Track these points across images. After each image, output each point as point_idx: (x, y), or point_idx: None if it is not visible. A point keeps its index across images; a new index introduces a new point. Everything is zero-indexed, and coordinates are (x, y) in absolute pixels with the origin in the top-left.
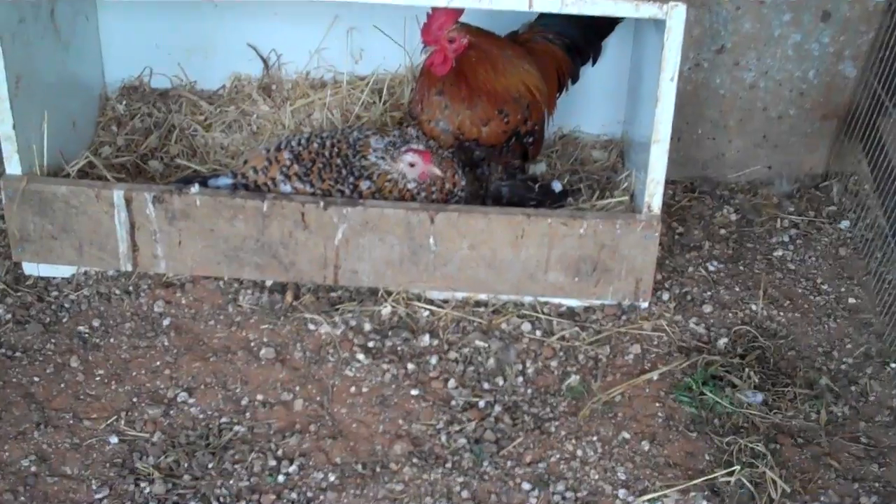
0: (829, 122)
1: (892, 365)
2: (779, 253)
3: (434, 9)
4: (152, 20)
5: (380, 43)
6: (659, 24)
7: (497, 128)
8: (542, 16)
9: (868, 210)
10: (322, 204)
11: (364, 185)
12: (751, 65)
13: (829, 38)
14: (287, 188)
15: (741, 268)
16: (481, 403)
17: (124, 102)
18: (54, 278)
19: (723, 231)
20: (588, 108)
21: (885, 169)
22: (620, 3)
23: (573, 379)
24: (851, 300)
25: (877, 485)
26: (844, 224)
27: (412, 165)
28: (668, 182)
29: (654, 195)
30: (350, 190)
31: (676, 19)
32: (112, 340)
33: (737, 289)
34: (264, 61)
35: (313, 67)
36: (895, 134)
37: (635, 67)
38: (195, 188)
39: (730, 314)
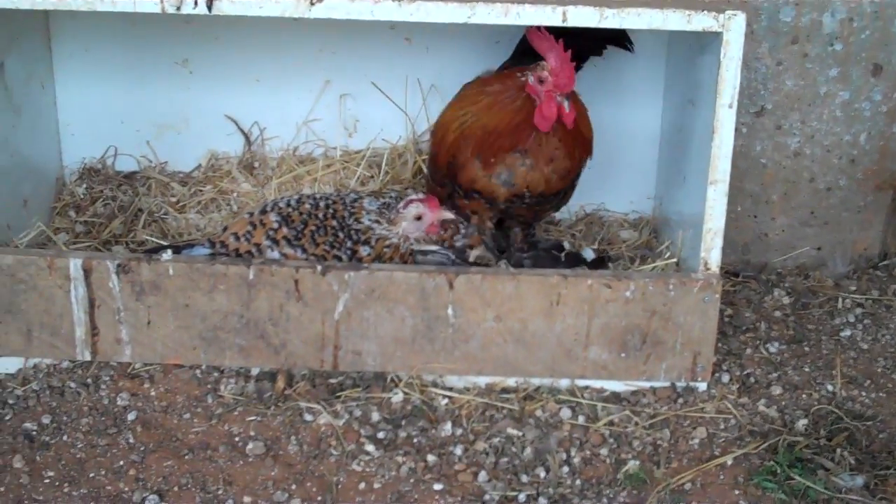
0: (884, 193)
1: None
2: (846, 333)
3: (555, 45)
4: (118, 91)
5: (377, 111)
6: (712, 42)
7: (569, 178)
8: (523, 51)
9: None
10: (320, 269)
11: (363, 250)
12: (794, 129)
13: (882, 96)
14: (275, 254)
15: (806, 349)
16: (521, 497)
17: (84, 186)
18: None
19: (777, 313)
20: (614, 183)
21: None
22: (670, 15)
23: (631, 465)
24: None
25: None
26: None
27: (419, 218)
28: None
29: (711, 249)
30: (348, 256)
31: (735, 31)
32: (65, 438)
33: (806, 369)
34: (245, 136)
35: (301, 142)
36: None
37: (675, 111)
38: (167, 254)
39: (804, 395)
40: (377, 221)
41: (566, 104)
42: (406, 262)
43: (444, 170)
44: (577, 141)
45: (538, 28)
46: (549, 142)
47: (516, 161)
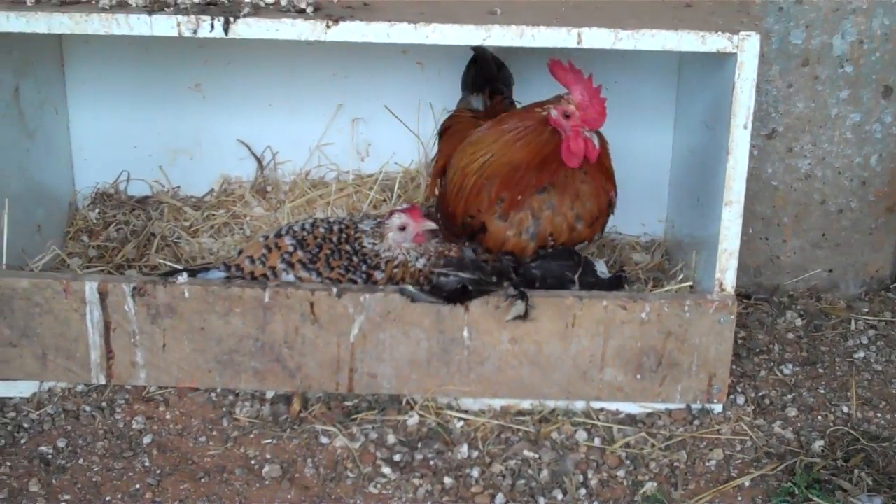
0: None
1: None
2: (860, 354)
3: (581, 78)
4: (130, 116)
5: (389, 135)
6: (726, 64)
7: (599, 224)
8: (489, 80)
9: None
10: (335, 291)
11: (378, 274)
12: (805, 151)
13: (893, 118)
14: (290, 278)
15: (820, 370)
16: None
17: (97, 210)
18: (11, 398)
19: (790, 335)
20: (625, 206)
21: None
22: (684, 36)
23: (649, 486)
24: None
25: None
26: None
27: (403, 229)
28: None
29: (726, 270)
30: (363, 280)
31: (749, 52)
32: (81, 462)
33: (821, 391)
34: (258, 160)
35: (314, 166)
36: None
37: (688, 134)
38: (183, 277)
39: (819, 417)
40: (373, 242)
41: (595, 140)
42: (419, 281)
43: (459, 228)
44: (602, 173)
45: (558, 60)
46: (574, 177)
47: (543, 203)
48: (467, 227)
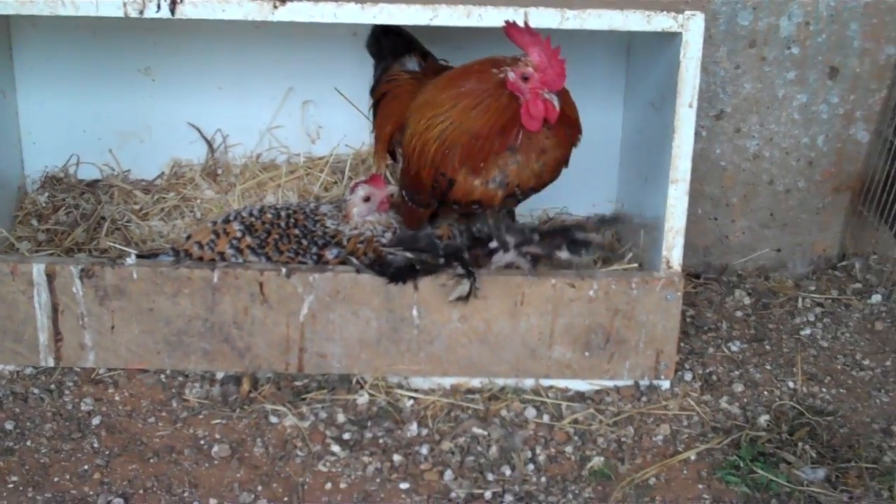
0: (842, 194)
1: None
2: (806, 331)
3: (539, 40)
4: (80, 100)
5: (340, 117)
6: (671, 43)
7: (560, 167)
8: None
9: None
10: (284, 271)
11: (330, 253)
12: (753, 131)
13: (839, 98)
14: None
15: (767, 347)
16: (487, 495)
17: (46, 194)
18: None
19: (739, 313)
20: (576, 186)
21: None
22: (630, 15)
23: (596, 461)
24: None
25: None
26: (876, 298)
27: (367, 199)
28: None
29: (672, 248)
30: (314, 261)
31: (694, 31)
32: (29, 443)
33: (768, 367)
34: (209, 143)
35: (265, 149)
36: None
37: (636, 113)
38: (131, 258)
39: (765, 392)
40: (337, 223)
41: (555, 101)
42: (381, 255)
43: (429, 187)
44: (565, 124)
45: (514, 22)
46: (537, 135)
47: (508, 159)
48: (437, 187)
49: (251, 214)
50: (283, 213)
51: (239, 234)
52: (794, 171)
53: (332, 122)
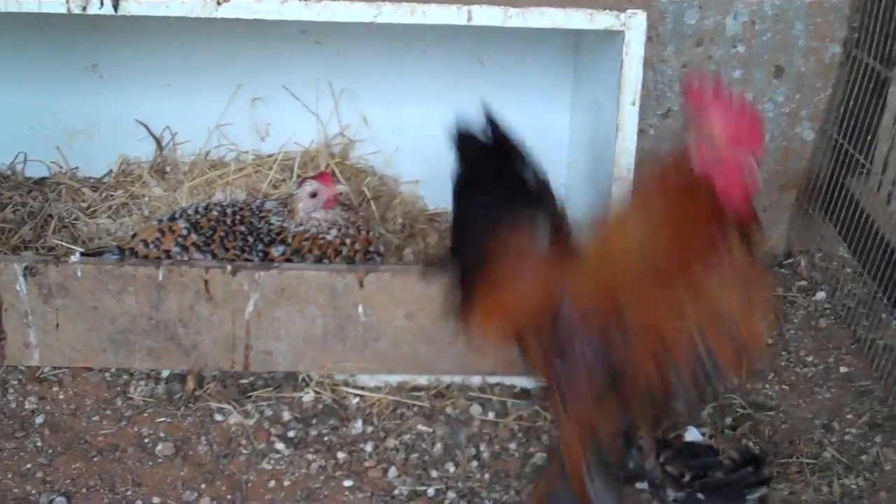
0: (788, 193)
1: None
2: None
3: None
4: (26, 97)
5: (289, 115)
6: (614, 41)
7: None
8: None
9: (845, 280)
10: (230, 269)
11: (276, 250)
12: None
13: (784, 97)
14: None
15: None
16: (430, 492)
17: None
18: None
19: None
20: None
21: (863, 230)
22: (573, 14)
23: (539, 457)
24: (843, 369)
25: None
26: (821, 295)
27: (314, 196)
28: None
29: None
30: (260, 258)
31: (636, 30)
32: None
33: None
34: (157, 140)
35: (213, 146)
36: (869, 191)
37: (582, 112)
38: (75, 256)
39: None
40: (284, 218)
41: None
42: (326, 253)
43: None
44: None
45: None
46: None
47: None
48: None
49: (197, 212)
50: (228, 211)
51: (185, 232)
52: None
53: (281, 119)
